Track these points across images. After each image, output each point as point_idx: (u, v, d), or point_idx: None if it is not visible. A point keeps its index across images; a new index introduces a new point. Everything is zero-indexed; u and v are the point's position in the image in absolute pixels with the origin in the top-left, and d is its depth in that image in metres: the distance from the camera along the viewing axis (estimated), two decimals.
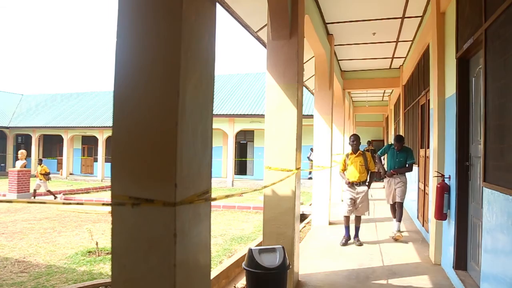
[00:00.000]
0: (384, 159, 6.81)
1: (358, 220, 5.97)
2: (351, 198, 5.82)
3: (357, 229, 5.95)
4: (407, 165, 6.28)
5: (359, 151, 5.86)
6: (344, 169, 5.96)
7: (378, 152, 6.77)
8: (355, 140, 5.92)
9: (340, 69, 10.43)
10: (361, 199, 5.78)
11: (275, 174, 3.88)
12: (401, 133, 10.43)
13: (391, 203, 6.45)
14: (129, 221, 1.49)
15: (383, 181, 6.62)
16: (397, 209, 6.29)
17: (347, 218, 5.88)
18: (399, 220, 6.22)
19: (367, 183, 5.88)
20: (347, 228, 5.89)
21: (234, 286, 4.38)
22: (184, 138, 1.49)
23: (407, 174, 6.39)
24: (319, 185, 7.57)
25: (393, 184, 6.32)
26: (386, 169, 6.47)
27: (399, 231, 6.13)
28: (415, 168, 7.27)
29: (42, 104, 28.88)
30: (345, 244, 5.75)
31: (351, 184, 5.81)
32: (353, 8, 5.99)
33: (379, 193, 10.73)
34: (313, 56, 7.10)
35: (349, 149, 6.24)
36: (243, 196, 14.21)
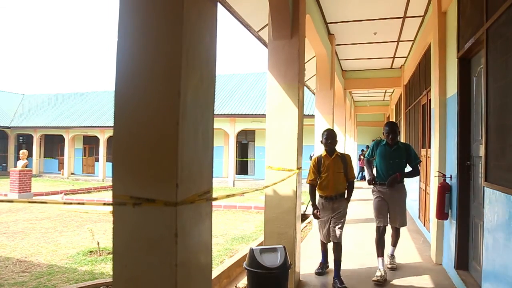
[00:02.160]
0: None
1: (337, 249, 4.11)
2: (322, 220, 4.23)
3: (337, 263, 4.10)
4: (412, 168, 4.51)
5: (335, 153, 4.14)
6: (314, 179, 4.20)
7: (365, 155, 4.87)
8: (329, 136, 4.12)
9: (341, 69, 10.43)
10: (335, 218, 4.10)
11: (276, 174, 3.88)
12: (402, 132, 10.37)
13: (382, 224, 4.38)
14: (131, 221, 1.50)
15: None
16: (392, 233, 4.63)
17: (324, 243, 4.47)
18: (395, 245, 4.69)
19: (345, 197, 4.24)
20: (324, 252, 4.52)
21: (235, 286, 4.38)
22: (185, 138, 1.49)
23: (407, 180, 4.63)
24: None
25: (388, 199, 4.38)
26: (375, 176, 4.54)
27: (393, 258, 4.71)
28: None
29: (44, 104, 28.94)
30: (321, 273, 4.43)
31: (325, 199, 4.16)
32: (354, 7, 5.98)
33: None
34: (314, 56, 7.10)
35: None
36: (244, 196, 14.21)
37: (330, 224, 4.15)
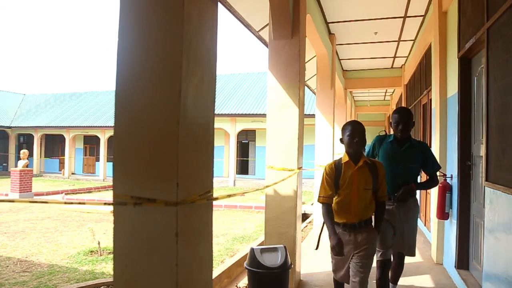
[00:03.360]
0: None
1: None
2: (343, 253, 2.76)
3: None
4: (429, 176, 3.25)
5: (363, 159, 2.73)
6: (330, 196, 2.76)
7: (364, 154, 3.13)
8: (355, 133, 2.68)
9: (342, 68, 10.42)
10: (363, 255, 2.73)
11: (276, 173, 3.88)
12: None
13: (386, 258, 3.15)
14: (131, 221, 1.50)
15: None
16: (394, 263, 3.30)
17: (339, 285, 3.09)
18: (395, 281, 3.41)
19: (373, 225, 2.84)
20: None
21: (236, 286, 4.38)
22: (185, 137, 1.49)
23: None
24: None
25: (394, 220, 3.13)
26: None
27: None
28: None
29: (44, 103, 28.96)
30: None
31: (343, 228, 2.77)
32: (355, 7, 5.98)
33: None
34: (315, 56, 7.09)
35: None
36: (245, 195, 14.21)
37: (351, 263, 2.79)
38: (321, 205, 2.82)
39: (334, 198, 2.76)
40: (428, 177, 3.28)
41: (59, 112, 26.73)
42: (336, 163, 2.78)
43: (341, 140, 2.80)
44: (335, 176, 2.75)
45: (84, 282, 4.74)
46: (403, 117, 3.10)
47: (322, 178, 2.82)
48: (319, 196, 2.81)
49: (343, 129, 2.78)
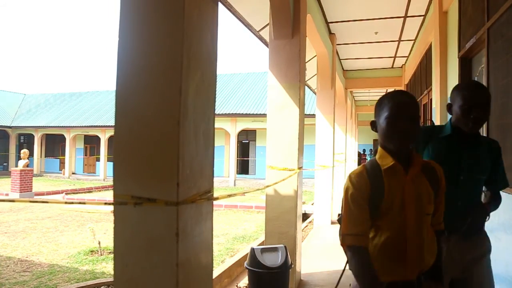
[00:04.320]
0: None
1: None
2: None
3: None
4: (492, 192, 1.97)
5: (417, 159, 1.44)
6: (364, 233, 1.41)
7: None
8: (403, 112, 1.39)
9: (342, 68, 10.42)
10: None
11: (277, 173, 3.88)
12: None
13: None
14: (132, 221, 1.50)
15: None
16: None
17: None
18: None
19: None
20: None
21: (236, 285, 4.38)
22: (186, 137, 1.49)
23: None
24: (322, 184, 7.56)
25: (460, 266, 1.81)
26: None
27: None
28: None
29: (45, 103, 28.97)
30: None
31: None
32: (355, 7, 5.98)
33: None
34: (315, 56, 7.09)
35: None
36: (245, 195, 14.21)
37: None
38: (346, 248, 1.48)
39: (372, 234, 1.47)
40: (492, 194, 1.98)
41: (60, 112, 26.73)
42: (369, 170, 1.47)
43: (373, 125, 1.57)
44: (372, 194, 1.42)
45: (84, 282, 4.74)
46: (482, 96, 1.79)
47: (343, 200, 1.49)
48: (343, 234, 1.47)
49: (379, 104, 1.53)
